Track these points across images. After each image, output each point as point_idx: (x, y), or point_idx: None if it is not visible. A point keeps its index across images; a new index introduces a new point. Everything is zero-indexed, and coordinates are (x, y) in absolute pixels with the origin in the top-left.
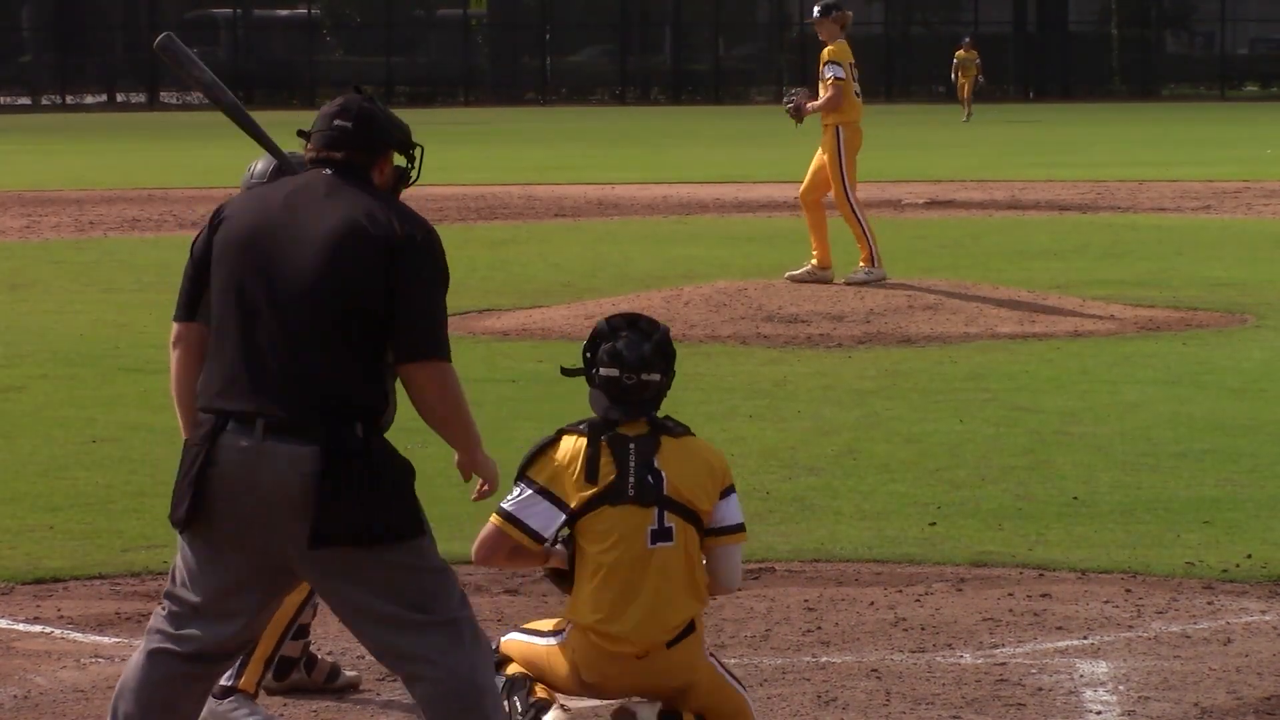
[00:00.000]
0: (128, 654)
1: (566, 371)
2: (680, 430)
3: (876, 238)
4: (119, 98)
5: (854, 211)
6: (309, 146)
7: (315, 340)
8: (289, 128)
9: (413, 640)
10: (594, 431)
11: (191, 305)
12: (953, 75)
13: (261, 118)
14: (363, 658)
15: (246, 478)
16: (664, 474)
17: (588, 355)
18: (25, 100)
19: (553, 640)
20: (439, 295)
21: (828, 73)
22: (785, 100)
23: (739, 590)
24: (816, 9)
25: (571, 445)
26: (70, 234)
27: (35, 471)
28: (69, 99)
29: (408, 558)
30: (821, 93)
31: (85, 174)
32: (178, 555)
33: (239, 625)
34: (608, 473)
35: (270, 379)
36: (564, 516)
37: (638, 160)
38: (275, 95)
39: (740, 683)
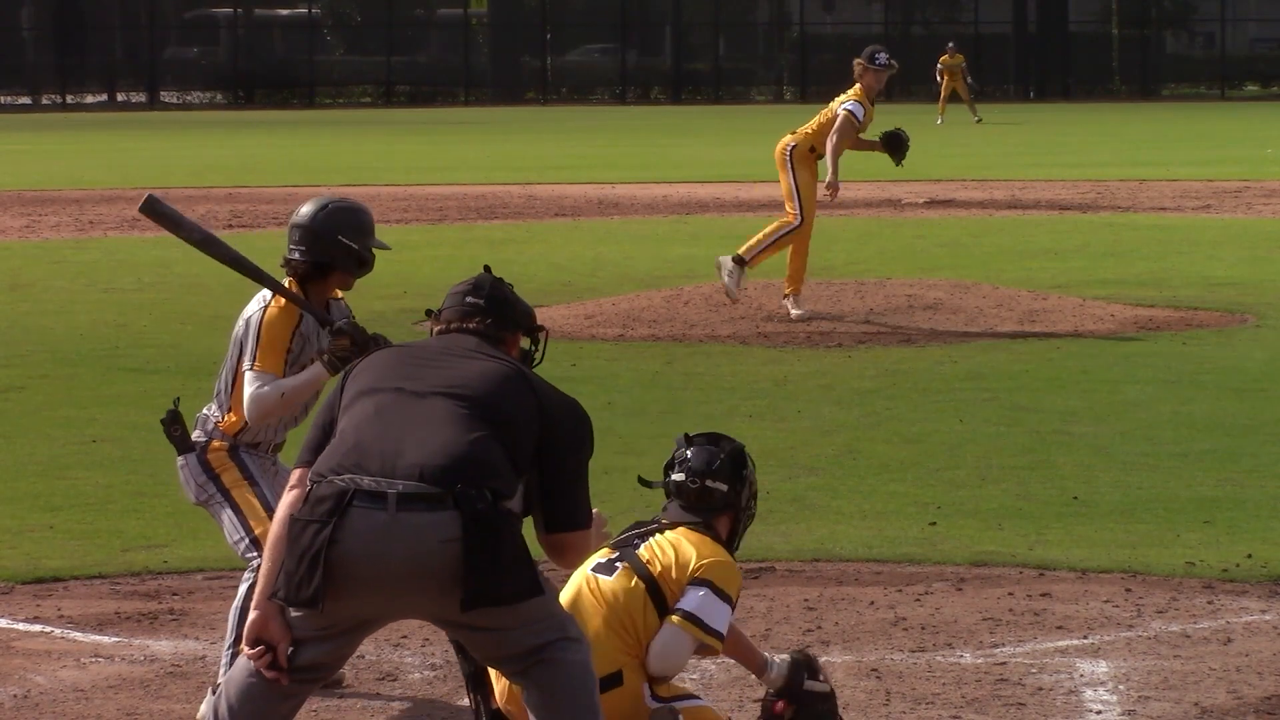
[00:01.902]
0: (127, 653)
1: (644, 483)
2: (705, 530)
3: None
4: (119, 97)
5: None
6: (439, 321)
7: (458, 421)
8: (289, 128)
9: (534, 649)
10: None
11: (318, 450)
12: (937, 77)
13: (262, 117)
14: (362, 657)
15: (378, 553)
16: (649, 539)
17: (666, 466)
18: (25, 100)
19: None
20: (585, 467)
21: (849, 106)
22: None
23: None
24: (885, 55)
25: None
26: (70, 234)
27: (35, 471)
28: (69, 99)
29: (528, 612)
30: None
31: (85, 174)
32: None
33: (340, 650)
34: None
35: (403, 451)
36: None
37: (638, 160)
38: (275, 95)
39: (695, 696)
